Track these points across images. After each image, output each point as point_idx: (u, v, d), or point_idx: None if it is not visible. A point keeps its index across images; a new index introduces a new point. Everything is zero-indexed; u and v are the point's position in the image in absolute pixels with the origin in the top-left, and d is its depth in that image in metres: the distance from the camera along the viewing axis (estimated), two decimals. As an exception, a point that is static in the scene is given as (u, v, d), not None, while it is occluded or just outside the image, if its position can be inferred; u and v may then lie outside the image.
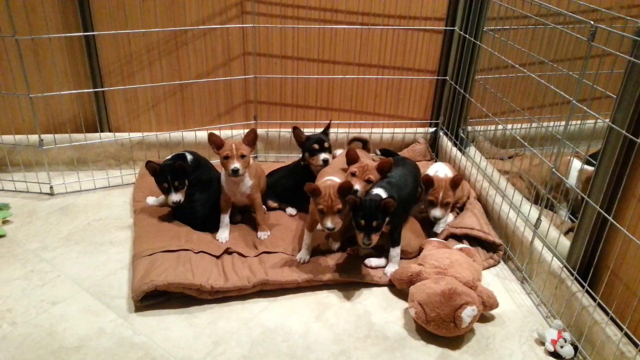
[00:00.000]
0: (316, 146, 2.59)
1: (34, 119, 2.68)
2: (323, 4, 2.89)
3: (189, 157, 2.47)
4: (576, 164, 2.46)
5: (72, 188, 2.84)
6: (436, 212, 2.35)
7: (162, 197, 2.53)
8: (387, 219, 2.04)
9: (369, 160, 2.35)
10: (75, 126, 2.92)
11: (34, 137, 2.79)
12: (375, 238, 2.02)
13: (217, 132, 3.06)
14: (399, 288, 2.14)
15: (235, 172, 2.28)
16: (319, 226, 2.17)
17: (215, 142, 2.30)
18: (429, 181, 2.34)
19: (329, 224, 2.05)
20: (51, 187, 2.79)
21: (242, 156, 2.29)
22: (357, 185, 2.20)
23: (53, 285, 2.14)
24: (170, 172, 2.33)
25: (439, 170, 2.49)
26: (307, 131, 3.16)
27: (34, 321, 1.95)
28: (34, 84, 2.74)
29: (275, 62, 3.01)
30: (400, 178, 2.28)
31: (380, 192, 2.10)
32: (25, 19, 2.67)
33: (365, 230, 2.01)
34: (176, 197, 2.35)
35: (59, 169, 2.97)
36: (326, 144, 2.60)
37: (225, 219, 2.43)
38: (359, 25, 2.97)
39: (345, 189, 2.06)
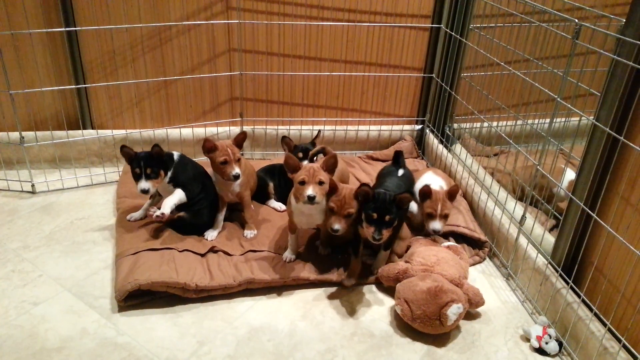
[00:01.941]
0: (301, 155, 2.60)
1: (15, 116, 2.63)
2: (309, 1, 2.87)
3: (176, 156, 2.38)
4: (569, 175, 2.31)
5: (54, 186, 2.79)
6: (435, 224, 2.30)
7: (144, 209, 2.44)
8: (395, 222, 1.97)
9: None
10: (57, 123, 2.87)
11: (14, 135, 2.74)
12: (386, 234, 1.94)
13: (202, 130, 3.07)
14: (386, 285, 2.14)
15: (236, 177, 2.26)
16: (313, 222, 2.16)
17: (208, 148, 2.26)
18: (426, 193, 2.30)
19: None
20: (33, 186, 2.74)
21: (238, 160, 2.29)
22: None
23: (34, 285, 2.10)
24: (144, 158, 2.21)
25: (433, 182, 2.46)
26: (294, 128, 3.16)
27: (15, 322, 1.91)
28: (14, 80, 2.69)
29: (261, 58, 2.99)
30: (395, 188, 2.20)
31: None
32: (5, 14, 2.61)
33: (377, 224, 1.92)
34: (145, 185, 2.19)
35: (41, 166, 2.92)
36: (311, 153, 2.59)
37: (220, 217, 2.42)
38: (345, 22, 2.95)
39: (363, 194, 1.97)
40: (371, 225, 1.94)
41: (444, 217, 2.32)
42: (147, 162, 2.21)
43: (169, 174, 2.29)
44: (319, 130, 2.74)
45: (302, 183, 2.00)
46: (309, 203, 1.98)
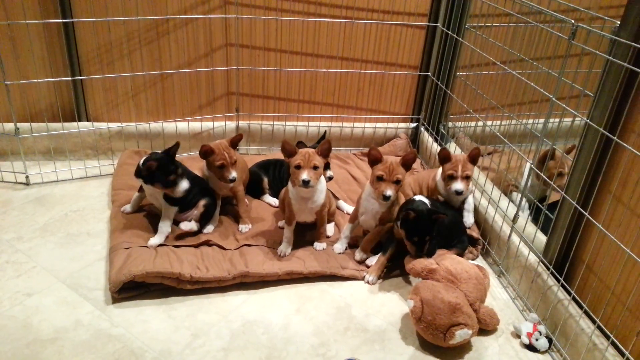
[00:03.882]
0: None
1: (10, 107, 2.61)
2: (307, -3, 2.88)
3: None
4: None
5: (48, 178, 2.78)
6: (457, 184, 2.27)
7: (135, 202, 2.43)
8: (433, 238, 2.09)
9: (391, 158, 2.21)
10: (52, 115, 2.86)
11: (9, 126, 2.73)
12: (427, 248, 2.08)
13: (198, 124, 3.07)
14: (410, 274, 2.09)
15: (233, 180, 2.29)
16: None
17: (206, 152, 2.28)
18: (446, 156, 2.30)
19: (387, 191, 2.08)
20: (27, 177, 2.73)
21: (235, 162, 2.31)
22: (388, 191, 2.09)
23: (28, 276, 2.10)
24: (170, 161, 2.20)
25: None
26: (289, 124, 3.17)
27: (9, 313, 1.91)
28: (10, 70, 2.68)
29: (258, 53, 2.99)
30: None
31: (422, 199, 2.16)
32: (1, 4, 2.60)
33: (419, 245, 2.07)
34: (187, 184, 2.20)
35: (35, 158, 2.91)
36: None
37: (215, 212, 2.44)
38: (342, 19, 2.96)
39: (404, 218, 2.06)
40: (413, 245, 2.08)
41: (466, 178, 2.29)
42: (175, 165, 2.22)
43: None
44: (325, 131, 2.75)
45: (298, 167, 2.08)
46: (303, 187, 2.08)
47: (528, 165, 2.26)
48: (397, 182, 2.11)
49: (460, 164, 2.28)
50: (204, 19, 2.86)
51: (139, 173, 2.21)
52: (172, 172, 2.17)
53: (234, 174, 2.29)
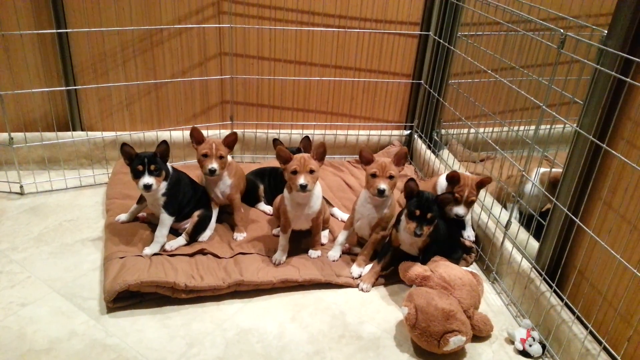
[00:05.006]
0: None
1: (4, 117, 2.62)
2: (300, 6, 2.90)
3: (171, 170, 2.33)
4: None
5: (42, 188, 2.78)
6: (459, 209, 2.30)
7: (132, 211, 2.43)
8: (435, 221, 2.07)
9: (383, 157, 2.24)
10: (46, 124, 2.87)
11: (3, 135, 2.73)
12: (426, 230, 2.04)
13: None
14: (404, 280, 2.10)
15: (212, 172, 2.29)
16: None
17: (197, 138, 2.32)
18: (455, 178, 2.32)
19: (381, 185, 2.11)
20: (21, 187, 2.73)
21: (221, 157, 2.31)
22: (383, 185, 2.13)
23: (23, 286, 2.09)
24: (148, 156, 2.16)
25: None
26: (284, 132, 3.19)
27: (3, 323, 1.90)
28: (4, 80, 2.69)
29: (252, 62, 3.01)
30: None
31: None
32: (-5, 15, 2.62)
33: (419, 220, 2.03)
34: (149, 180, 2.13)
35: (30, 168, 2.90)
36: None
37: (213, 219, 2.45)
38: (335, 27, 2.99)
39: (409, 189, 2.08)
40: (413, 221, 2.04)
41: (469, 203, 2.31)
42: (151, 160, 2.16)
43: (165, 185, 2.24)
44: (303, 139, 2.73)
45: (295, 172, 2.09)
46: (301, 191, 2.09)
47: (534, 172, 2.29)
48: (391, 178, 2.15)
49: (467, 189, 2.29)
50: (198, 28, 2.88)
51: (126, 158, 2.18)
52: (142, 164, 2.14)
53: (214, 165, 2.29)
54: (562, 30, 1.88)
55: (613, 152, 1.68)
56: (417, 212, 2.03)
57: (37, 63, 2.78)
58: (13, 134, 2.69)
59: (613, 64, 1.68)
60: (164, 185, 2.22)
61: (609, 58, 1.69)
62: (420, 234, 2.03)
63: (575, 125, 1.84)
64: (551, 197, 1.97)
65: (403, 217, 2.14)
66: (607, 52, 1.68)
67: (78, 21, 2.72)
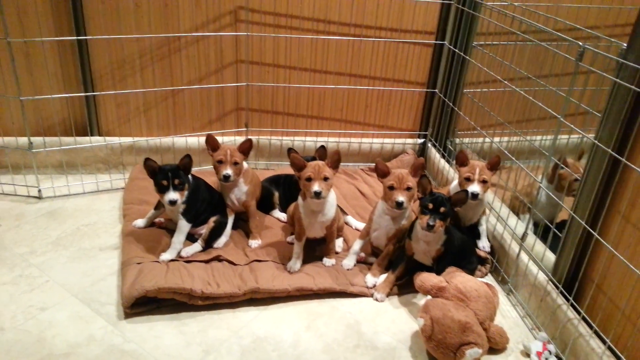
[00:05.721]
0: None
1: (24, 122, 2.66)
2: (316, 15, 2.92)
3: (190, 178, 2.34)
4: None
5: (60, 192, 2.82)
6: (474, 187, 2.28)
7: (149, 217, 2.46)
8: (449, 218, 2.10)
9: (400, 169, 2.25)
10: (65, 129, 2.90)
11: (23, 140, 2.77)
12: (439, 225, 2.05)
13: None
14: (419, 290, 2.09)
15: (226, 178, 2.32)
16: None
17: (212, 144, 2.34)
18: (461, 154, 2.33)
19: (399, 197, 2.12)
20: (39, 191, 2.77)
21: (235, 163, 2.33)
22: (401, 197, 2.14)
23: (42, 290, 2.12)
24: (171, 170, 2.18)
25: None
26: (298, 139, 3.20)
27: (23, 327, 1.93)
28: (24, 86, 2.73)
29: (267, 70, 3.03)
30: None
31: None
32: (18, 22, 2.66)
33: (432, 212, 2.05)
34: (174, 195, 2.16)
35: (48, 172, 2.94)
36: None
37: (229, 226, 2.47)
38: (351, 36, 3.01)
39: (423, 186, 2.11)
40: (426, 214, 2.06)
41: (483, 182, 2.30)
42: (175, 174, 2.18)
43: (186, 194, 2.25)
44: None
45: (309, 180, 2.11)
46: (315, 198, 2.10)
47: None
48: (409, 189, 2.15)
49: (478, 168, 2.30)
50: (215, 36, 2.90)
51: (150, 172, 2.20)
52: (166, 178, 2.16)
53: (228, 171, 2.32)
54: (580, 43, 1.88)
55: (632, 165, 1.68)
56: (430, 206, 2.05)
57: (57, 69, 2.82)
58: (32, 139, 2.73)
59: (633, 77, 1.67)
60: (184, 195, 2.25)
61: (629, 72, 1.68)
62: (432, 225, 2.03)
63: (593, 136, 1.84)
64: (570, 211, 1.97)
65: (416, 225, 2.15)
66: (627, 66, 1.68)
67: (97, 28, 2.76)
